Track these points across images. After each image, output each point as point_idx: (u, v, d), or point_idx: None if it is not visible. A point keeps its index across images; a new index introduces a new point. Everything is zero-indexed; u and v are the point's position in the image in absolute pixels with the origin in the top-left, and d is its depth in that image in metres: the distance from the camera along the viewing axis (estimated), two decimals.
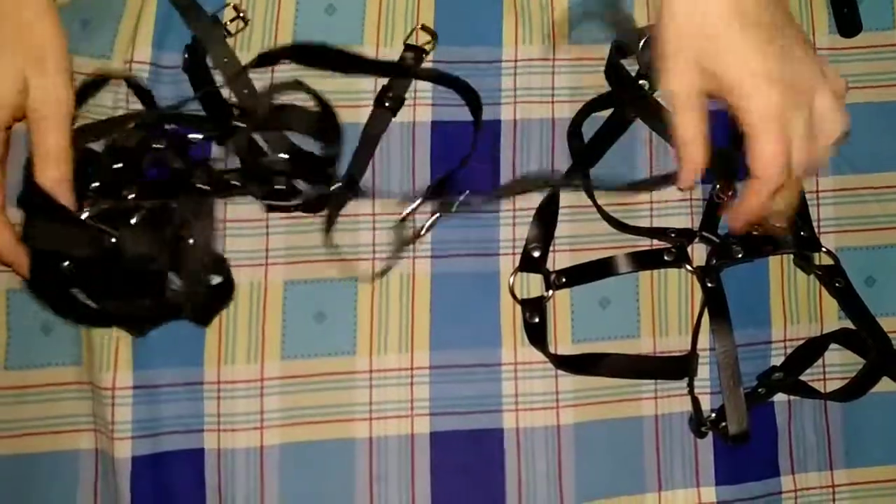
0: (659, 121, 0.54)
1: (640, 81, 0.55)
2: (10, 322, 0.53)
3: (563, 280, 0.55)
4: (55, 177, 0.48)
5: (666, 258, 0.56)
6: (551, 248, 0.56)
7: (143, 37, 0.55)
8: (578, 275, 0.56)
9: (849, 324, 0.58)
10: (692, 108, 0.48)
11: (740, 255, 0.55)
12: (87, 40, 0.55)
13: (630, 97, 0.56)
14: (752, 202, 0.48)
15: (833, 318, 0.58)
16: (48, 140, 0.48)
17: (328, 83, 0.56)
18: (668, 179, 0.56)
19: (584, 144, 0.57)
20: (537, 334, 0.55)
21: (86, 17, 0.55)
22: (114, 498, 0.52)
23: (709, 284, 0.55)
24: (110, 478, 0.52)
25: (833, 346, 0.58)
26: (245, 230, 0.55)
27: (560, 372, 0.55)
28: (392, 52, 0.57)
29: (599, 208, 0.56)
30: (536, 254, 0.55)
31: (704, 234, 0.56)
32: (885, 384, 0.57)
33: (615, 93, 0.57)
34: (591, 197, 0.56)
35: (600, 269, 0.56)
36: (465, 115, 0.57)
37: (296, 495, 0.53)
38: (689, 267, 0.56)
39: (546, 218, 0.56)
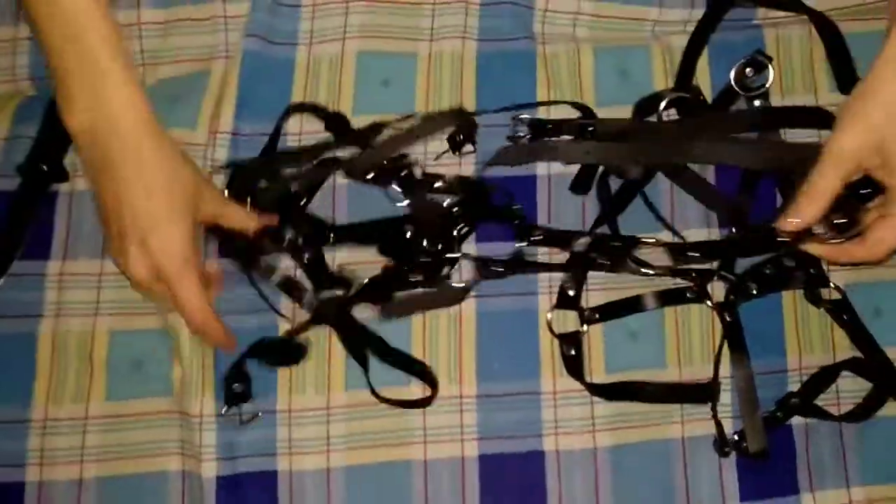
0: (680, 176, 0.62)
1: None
2: (109, 357, 0.60)
3: (597, 316, 0.62)
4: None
5: (688, 295, 0.62)
6: (585, 287, 0.63)
7: (226, 110, 0.63)
8: (610, 311, 0.62)
9: (859, 353, 0.63)
10: (841, 168, 0.53)
11: (755, 292, 0.62)
12: (175, 113, 0.63)
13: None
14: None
15: (845, 347, 0.64)
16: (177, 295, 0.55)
17: None
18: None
19: (611, 195, 0.64)
20: (574, 366, 0.61)
21: (174, 94, 0.64)
22: None
23: (727, 319, 0.61)
24: (196, 495, 0.59)
25: (845, 373, 0.63)
26: None
27: (595, 399, 0.61)
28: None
29: (629, 253, 0.62)
30: (572, 293, 0.62)
31: (723, 273, 0.62)
32: (894, 408, 0.63)
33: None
34: (622, 244, 0.62)
35: (630, 305, 0.62)
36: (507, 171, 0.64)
37: None
38: (709, 303, 0.62)
39: (579, 259, 0.62)
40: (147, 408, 0.60)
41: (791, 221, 0.57)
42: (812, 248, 0.59)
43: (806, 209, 0.56)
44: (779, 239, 0.58)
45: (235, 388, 0.59)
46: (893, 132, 0.51)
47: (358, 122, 0.64)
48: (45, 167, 0.62)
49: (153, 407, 0.60)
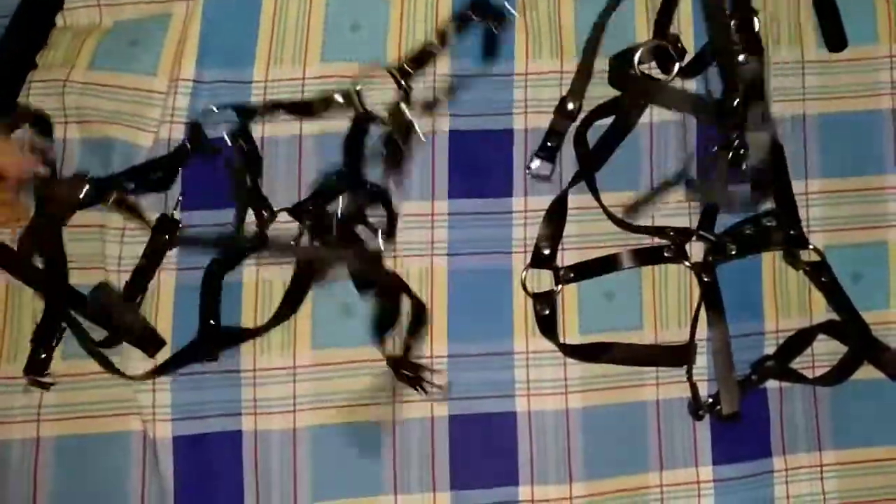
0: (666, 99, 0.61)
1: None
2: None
3: (572, 275, 0.61)
4: None
5: (666, 255, 0.61)
6: (560, 246, 0.61)
7: (188, 56, 0.60)
8: (586, 270, 0.61)
9: (836, 316, 0.63)
10: None
11: (734, 253, 0.61)
12: (134, 60, 0.60)
13: (637, 87, 0.62)
14: None
15: (822, 310, 0.64)
16: None
17: None
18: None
19: (589, 150, 0.62)
20: (548, 326, 0.60)
21: (133, 38, 0.61)
22: (158, 474, 0.58)
23: (705, 279, 0.61)
24: (154, 458, 0.58)
25: (821, 336, 0.63)
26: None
27: (569, 360, 0.61)
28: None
29: (605, 209, 0.61)
30: (547, 251, 0.61)
31: (701, 233, 0.61)
32: (870, 372, 0.63)
33: (621, 91, 0.62)
34: (597, 197, 0.61)
35: (606, 265, 0.61)
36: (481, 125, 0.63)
37: (327, 473, 0.59)
38: (687, 263, 0.61)
39: (555, 218, 0.61)
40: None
41: None
42: None
43: None
44: None
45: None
46: None
47: (325, 69, 0.62)
48: None
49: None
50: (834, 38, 0.65)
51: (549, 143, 0.61)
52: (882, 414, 0.63)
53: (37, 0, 0.61)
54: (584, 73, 0.62)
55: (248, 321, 0.59)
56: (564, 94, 0.62)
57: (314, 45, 0.62)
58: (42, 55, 0.61)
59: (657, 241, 0.62)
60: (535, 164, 0.61)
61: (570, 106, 0.61)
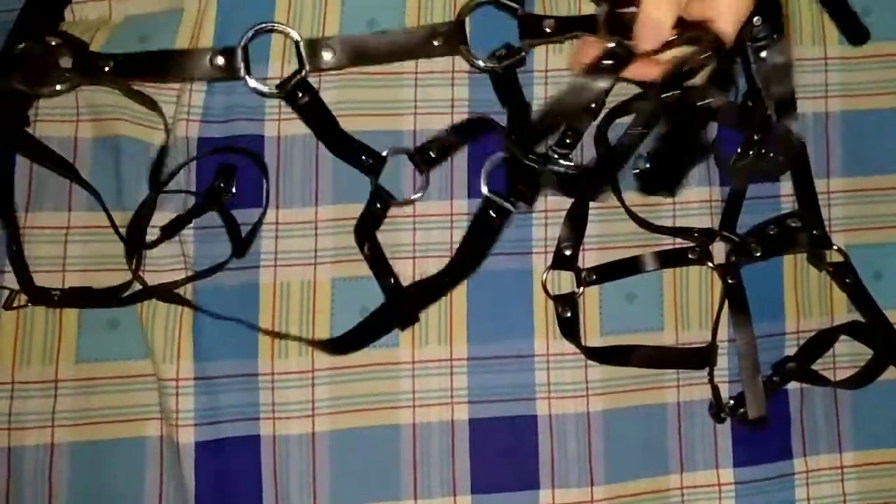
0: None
1: None
2: (80, 318, 0.58)
3: (594, 277, 0.61)
4: None
5: (690, 256, 0.61)
6: (581, 247, 0.61)
7: (204, 41, 0.59)
8: (608, 272, 0.61)
9: (857, 316, 0.63)
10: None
11: (758, 254, 0.61)
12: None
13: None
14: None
15: (843, 311, 0.64)
16: None
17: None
18: None
19: (610, 149, 0.62)
20: (569, 328, 0.60)
21: (144, 34, 0.60)
22: (179, 481, 0.57)
23: (729, 280, 0.61)
24: (175, 462, 0.57)
25: (843, 337, 0.63)
26: (295, 231, 0.60)
27: (590, 362, 0.61)
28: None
29: (627, 209, 0.61)
30: (568, 252, 0.60)
31: (726, 233, 0.61)
32: (890, 372, 0.63)
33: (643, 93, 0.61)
34: (620, 198, 0.61)
35: (628, 266, 0.61)
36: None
37: (345, 478, 0.58)
38: (711, 264, 0.61)
39: (577, 218, 0.61)
40: (122, 371, 0.58)
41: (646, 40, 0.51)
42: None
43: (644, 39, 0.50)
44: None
45: None
46: None
47: None
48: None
49: (128, 370, 0.58)
50: (854, 31, 0.65)
51: (567, 140, 0.61)
52: None
53: None
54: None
55: (265, 323, 0.59)
56: None
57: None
58: None
59: (679, 242, 0.62)
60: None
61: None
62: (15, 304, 0.57)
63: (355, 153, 0.59)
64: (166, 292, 0.57)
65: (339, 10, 0.61)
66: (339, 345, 0.58)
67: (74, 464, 0.57)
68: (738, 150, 0.59)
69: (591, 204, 0.61)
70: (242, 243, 0.59)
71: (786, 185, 0.64)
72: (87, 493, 0.57)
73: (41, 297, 0.57)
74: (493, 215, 0.58)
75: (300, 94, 0.58)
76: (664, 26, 0.50)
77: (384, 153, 0.59)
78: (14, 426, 0.57)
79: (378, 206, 0.59)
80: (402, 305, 0.59)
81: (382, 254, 0.59)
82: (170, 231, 0.58)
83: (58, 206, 0.59)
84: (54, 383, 0.57)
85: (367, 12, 0.61)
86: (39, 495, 0.57)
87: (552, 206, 0.61)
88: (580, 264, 0.61)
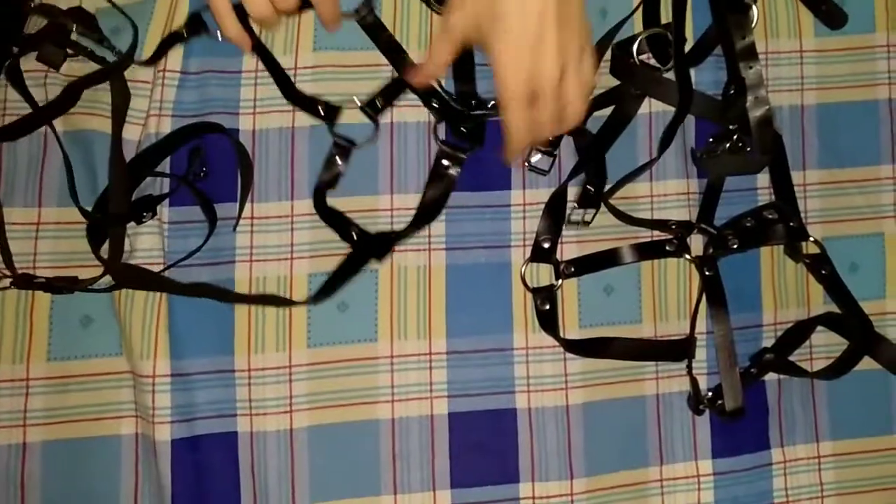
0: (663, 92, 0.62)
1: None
2: (52, 316, 0.58)
3: (572, 270, 0.61)
4: None
5: (668, 248, 0.62)
6: (560, 240, 0.62)
7: (175, 46, 0.59)
8: (586, 265, 0.62)
9: (834, 308, 0.64)
10: (452, 42, 0.52)
11: (735, 246, 0.62)
12: (117, 46, 0.59)
13: (638, 77, 0.62)
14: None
15: (819, 302, 0.65)
16: None
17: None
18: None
19: (588, 141, 0.63)
20: (548, 321, 0.61)
21: (115, 26, 0.60)
22: (155, 478, 0.57)
23: (707, 273, 0.62)
24: (151, 459, 0.57)
25: (819, 328, 0.64)
26: (272, 226, 0.60)
27: (568, 355, 0.61)
28: None
29: (606, 201, 0.62)
30: (547, 245, 0.61)
31: (703, 226, 0.62)
32: (866, 362, 0.64)
33: (622, 81, 0.63)
34: (598, 190, 0.62)
35: (607, 259, 0.62)
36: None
37: (324, 474, 0.59)
38: (688, 256, 0.62)
39: (555, 211, 0.61)
40: (95, 368, 0.58)
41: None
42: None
43: (424, 74, 0.57)
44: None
45: None
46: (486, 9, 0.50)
47: (318, 58, 0.61)
48: None
49: (102, 367, 0.58)
50: (832, 16, 0.66)
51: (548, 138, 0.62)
52: (878, 405, 0.65)
53: None
54: None
55: (242, 318, 0.59)
56: None
57: (306, 34, 0.61)
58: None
59: (657, 234, 0.63)
60: (536, 157, 0.61)
61: None
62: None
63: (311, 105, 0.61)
64: (144, 276, 0.57)
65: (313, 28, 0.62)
66: (319, 296, 0.59)
67: (47, 464, 0.57)
68: (710, 141, 0.60)
69: (570, 197, 0.62)
70: (214, 213, 0.60)
71: (763, 178, 0.65)
72: (62, 493, 0.57)
73: (25, 281, 0.57)
74: (446, 163, 0.60)
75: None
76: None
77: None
78: None
79: (337, 155, 0.60)
80: (375, 242, 0.60)
81: (340, 213, 0.60)
82: (144, 205, 0.58)
83: (28, 203, 0.58)
84: (25, 382, 0.57)
85: (342, 5, 0.61)
86: (12, 497, 0.56)
87: (530, 200, 0.62)
88: (558, 257, 0.62)
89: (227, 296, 0.59)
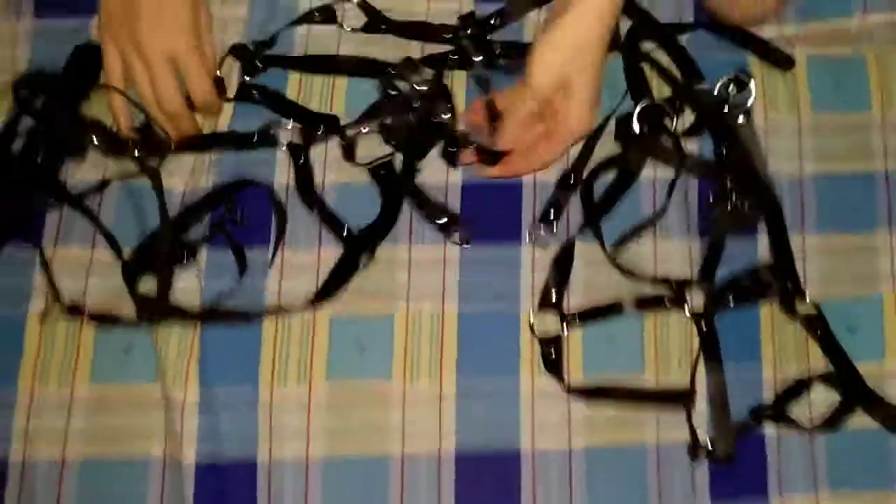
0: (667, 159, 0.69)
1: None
2: (97, 342, 0.65)
3: (578, 320, 0.66)
4: None
5: (667, 304, 0.67)
6: (566, 291, 0.67)
7: None
8: (591, 315, 0.67)
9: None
10: (535, 99, 0.64)
11: (731, 304, 0.66)
12: None
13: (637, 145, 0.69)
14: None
15: (819, 358, 0.68)
16: None
17: None
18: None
19: (594, 202, 0.69)
20: (554, 368, 0.66)
21: None
22: (179, 500, 0.62)
23: (704, 329, 0.66)
24: (176, 481, 0.62)
25: (818, 385, 0.68)
26: (297, 272, 0.67)
27: (572, 401, 0.66)
28: None
29: (610, 257, 0.67)
30: (554, 297, 0.66)
31: (701, 283, 0.67)
32: (865, 422, 0.67)
33: (624, 151, 0.69)
34: (603, 247, 0.67)
35: (610, 310, 0.67)
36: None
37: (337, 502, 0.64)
38: (687, 312, 0.67)
39: (562, 265, 0.67)
40: (133, 393, 0.64)
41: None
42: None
43: (506, 136, 0.67)
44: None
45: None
46: (575, 67, 0.63)
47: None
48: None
49: (139, 392, 0.64)
50: (778, 60, 0.73)
51: (550, 217, 0.68)
52: (874, 461, 0.67)
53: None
54: (588, 150, 0.70)
55: (267, 354, 0.65)
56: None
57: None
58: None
59: (660, 288, 0.68)
60: (540, 232, 0.68)
61: (572, 181, 0.69)
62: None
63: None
64: (181, 312, 0.64)
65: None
66: (325, 290, 0.66)
67: (83, 479, 0.63)
68: (712, 200, 0.66)
69: (577, 253, 0.68)
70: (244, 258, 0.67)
71: (762, 240, 0.70)
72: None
73: (73, 311, 0.64)
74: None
75: None
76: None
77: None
78: (29, 441, 0.63)
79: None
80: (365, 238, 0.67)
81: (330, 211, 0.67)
82: (184, 249, 0.66)
83: (82, 242, 0.67)
84: (69, 401, 0.64)
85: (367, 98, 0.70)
86: None
87: (538, 255, 0.68)
88: (565, 307, 0.67)
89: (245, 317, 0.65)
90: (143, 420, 0.64)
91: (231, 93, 0.70)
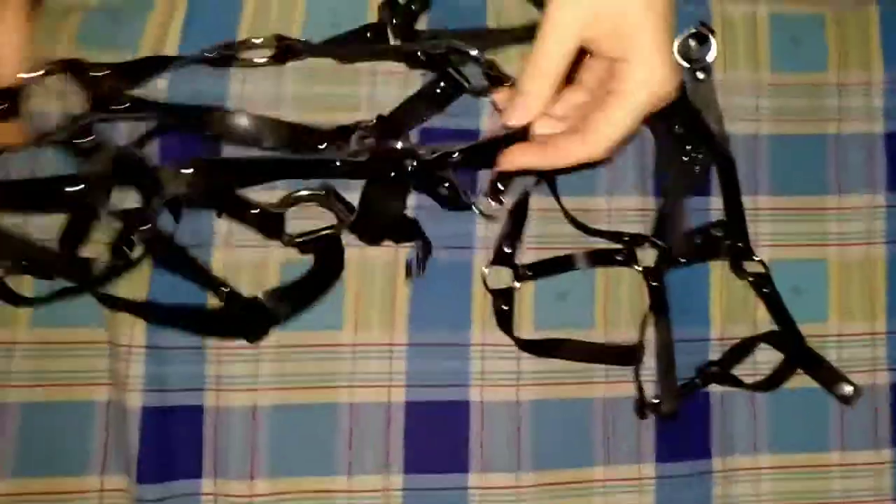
0: None
1: None
2: (36, 283, 0.63)
3: (529, 273, 0.67)
4: None
5: (617, 258, 0.68)
6: (520, 246, 0.67)
7: (171, 36, 0.66)
8: (543, 269, 0.67)
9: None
10: (564, 44, 0.50)
11: (682, 260, 0.68)
12: (116, 34, 0.66)
13: None
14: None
15: (766, 320, 0.70)
16: None
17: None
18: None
19: None
20: (505, 321, 0.66)
21: (116, 17, 0.66)
22: (124, 444, 0.62)
23: (653, 283, 0.67)
24: (121, 426, 0.62)
25: (764, 346, 0.70)
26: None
27: (522, 355, 0.67)
28: None
29: (565, 211, 0.67)
30: (508, 250, 0.67)
31: (653, 239, 0.68)
32: (806, 381, 0.69)
33: None
34: (558, 200, 0.67)
35: (561, 264, 0.67)
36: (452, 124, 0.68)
37: (284, 452, 0.64)
38: (637, 267, 0.68)
39: (517, 218, 0.67)
40: (76, 336, 0.63)
41: (515, 112, 0.54)
42: (526, 156, 0.56)
43: (531, 93, 0.53)
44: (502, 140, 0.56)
45: None
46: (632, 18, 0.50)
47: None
48: None
49: (83, 336, 0.63)
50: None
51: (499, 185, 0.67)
52: (814, 422, 0.70)
53: None
54: None
55: (213, 301, 0.64)
56: None
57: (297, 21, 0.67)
58: None
59: (612, 244, 0.69)
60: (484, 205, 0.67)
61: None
62: None
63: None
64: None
65: (305, 9, 0.68)
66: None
67: (24, 423, 0.62)
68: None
69: (532, 206, 0.68)
70: None
71: (716, 201, 0.70)
72: (35, 451, 0.62)
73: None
74: None
75: None
76: (538, 101, 0.52)
77: None
78: None
79: None
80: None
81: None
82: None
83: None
84: (11, 345, 0.62)
85: (330, 15, 0.68)
86: None
87: (494, 206, 0.68)
88: (517, 261, 0.67)
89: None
90: (87, 365, 0.63)
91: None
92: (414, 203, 0.67)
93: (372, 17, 0.68)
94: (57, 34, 0.65)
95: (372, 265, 0.66)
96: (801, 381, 0.69)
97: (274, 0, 0.68)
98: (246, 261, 0.65)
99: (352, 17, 0.68)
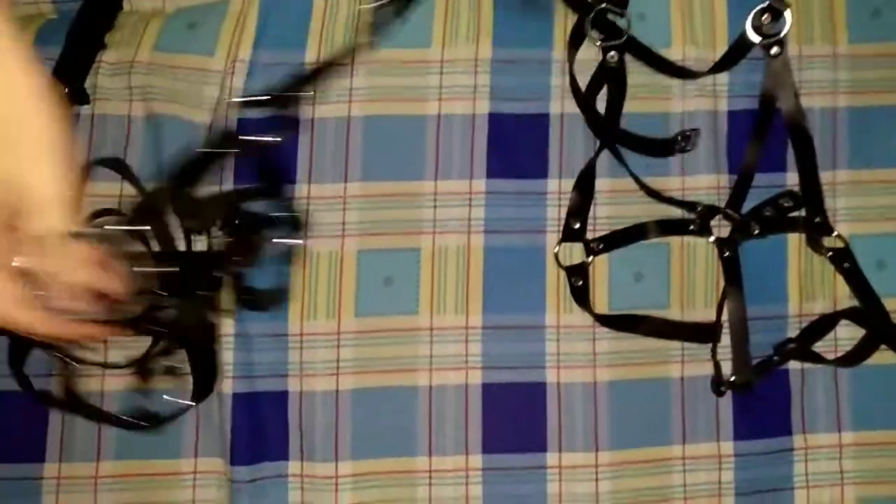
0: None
1: None
2: None
3: (601, 246, 0.68)
4: None
5: (691, 228, 0.68)
6: (591, 226, 0.69)
7: (245, 39, 0.69)
8: (614, 241, 0.68)
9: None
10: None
11: (757, 232, 0.68)
12: (193, 39, 0.69)
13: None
14: None
15: (846, 295, 0.70)
16: None
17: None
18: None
19: (618, 131, 0.69)
20: (581, 296, 0.68)
21: (192, 21, 0.70)
22: (216, 429, 0.66)
23: (726, 254, 0.68)
24: (214, 410, 0.66)
25: (843, 321, 0.70)
26: (324, 206, 0.68)
27: (598, 335, 0.68)
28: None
29: (637, 178, 0.68)
30: (577, 225, 0.68)
31: (727, 210, 0.68)
32: (889, 357, 0.69)
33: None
34: (630, 172, 0.69)
35: (633, 234, 0.68)
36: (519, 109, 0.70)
37: (365, 434, 0.67)
38: (710, 238, 0.69)
39: (584, 190, 0.68)
40: None
41: None
42: None
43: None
44: None
45: None
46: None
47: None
48: (66, 89, 0.69)
49: None
50: None
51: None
52: None
53: None
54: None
55: (296, 287, 0.67)
56: None
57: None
58: (110, 36, 0.70)
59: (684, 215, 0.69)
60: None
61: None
62: None
63: None
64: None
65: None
66: None
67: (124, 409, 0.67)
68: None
69: (601, 188, 0.69)
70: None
71: (793, 176, 0.71)
72: (135, 435, 0.66)
73: None
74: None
75: None
76: None
77: None
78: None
79: None
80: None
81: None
82: None
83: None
84: None
85: None
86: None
87: (565, 189, 0.69)
88: (589, 236, 0.69)
89: None
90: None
91: None
92: (483, 188, 0.69)
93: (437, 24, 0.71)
94: (140, 40, 0.69)
95: (444, 250, 0.68)
96: (884, 356, 0.69)
97: (342, 4, 0.70)
98: None
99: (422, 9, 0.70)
